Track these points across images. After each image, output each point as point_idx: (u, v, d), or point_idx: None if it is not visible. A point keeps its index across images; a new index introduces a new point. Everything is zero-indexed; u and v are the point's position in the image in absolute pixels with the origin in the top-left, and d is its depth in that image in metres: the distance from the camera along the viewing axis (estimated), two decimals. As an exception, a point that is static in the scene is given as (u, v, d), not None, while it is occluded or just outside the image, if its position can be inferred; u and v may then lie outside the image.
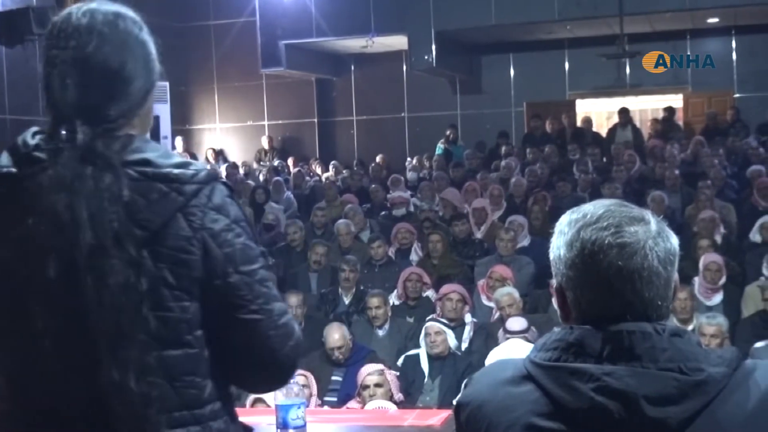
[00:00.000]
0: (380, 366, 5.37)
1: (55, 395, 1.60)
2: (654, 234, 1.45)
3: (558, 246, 1.50)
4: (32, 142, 1.64)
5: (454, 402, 1.64)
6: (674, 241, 1.49)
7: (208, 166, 1.65)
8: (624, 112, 13.38)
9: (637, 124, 14.20)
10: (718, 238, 7.75)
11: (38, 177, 1.59)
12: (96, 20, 1.65)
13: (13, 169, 1.62)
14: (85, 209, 1.55)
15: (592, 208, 1.51)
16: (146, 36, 1.71)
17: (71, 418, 1.60)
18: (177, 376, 1.59)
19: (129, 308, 1.56)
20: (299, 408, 2.41)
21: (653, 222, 1.48)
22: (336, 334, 5.92)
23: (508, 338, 5.53)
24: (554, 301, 6.73)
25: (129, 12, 1.71)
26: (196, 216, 1.60)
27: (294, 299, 6.77)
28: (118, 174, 1.57)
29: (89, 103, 1.63)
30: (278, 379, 1.77)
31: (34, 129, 1.67)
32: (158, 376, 1.58)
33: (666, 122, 13.64)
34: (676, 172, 9.89)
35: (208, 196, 1.62)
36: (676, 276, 1.49)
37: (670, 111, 14.02)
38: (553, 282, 1.54)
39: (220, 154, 15.77)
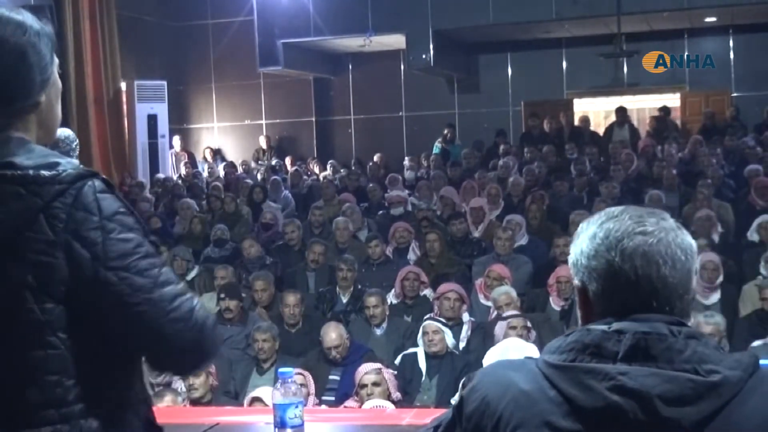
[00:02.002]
0: (378, 365, 5.37)
1: None
2: (674, 228, 1.49)
3: (580, 242, 1.52)
4: None
5: (455, 398, 1.64)
6: (690, 239, 1.51)
7: (81, 166, 1.63)
8: (621, 111, 13.39)
9: (635, 123, 14.22)
10: (716, 237, 7.75)
11: None
12: None
13: None
14: None
15: (610, 209, 1.55)
16: (33, 38, 1.67)
17: None
18: (41, 375, 1.59)
19: None
20: (297, 407, 2.41)
21: (671, 220, 1.52)
22: (333, 334, 5.93)
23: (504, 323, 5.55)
24: (554, 305, 6.74)
25: (16, 15, 1.67)
26: (58, 218, 1.57)
27: (291, 298, 6.78)
28: None
29: None
30: (192, 362, 1.73)
31: None
32: (18, 376, 1.57)
33: (660, 121, 13.65)
34: (674, 171, 9.90)
35: (74, 195, 1.59)
36: (694, 273, 1.51)
37: (664, 110, 14.04)
38: (576, 282, 1.54)
39: (217, 153, 15.77)
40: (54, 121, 1.75)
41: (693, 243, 1.51)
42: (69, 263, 1.58)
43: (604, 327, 1.44)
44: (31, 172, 1.58)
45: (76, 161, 1.68)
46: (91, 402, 1.62)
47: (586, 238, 1.51)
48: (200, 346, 1.68)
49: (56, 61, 1.74)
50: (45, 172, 1.58)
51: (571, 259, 1.54)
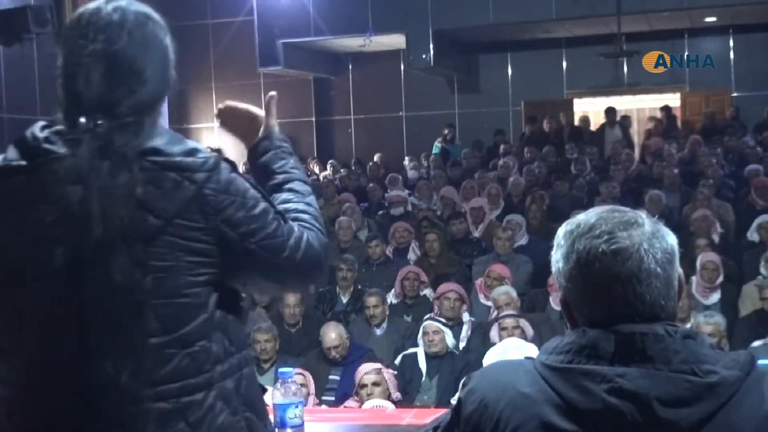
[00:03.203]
0: (378, 365, 5.37)
1: (48, 382, 1.62)
2: (648, 236, 1.46)
3: (557, 260, 1.51)
4: (41, 135, 1.65)
5: (455, 398, 1.64)
6: (671, 240, 1.49)
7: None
8: (610, 112, 13.37)
9: (635, 123, 14.22)
10: (716, 237, 7.75)
11: (53, 166, 1.60)
12: (127, 18, 1.69)
13: (23, 162, 1.64)
14: (98, 204, 1.57)
15: (584, 217, 1.51)
16: (169, 42, 1.77)
17: (58, 405, 1.61)
18: (189, 344, 1.63)
19: (131, 306, 1.59)
20: (297, 407, 2.41)
21: (647, 224, 1.48)
22: (333, 333, 5.92)
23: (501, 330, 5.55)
24: (554, 305, 6.74)
25: (157, 15, 1.76)
26: (209, 204, 1.64)
27: (292, 298, 6.77)
28: (133, 171, 1.60)
29: (111, 99, 1.65)
30: (315, 277, 1.96)
31: (42, 123, 1.69)
32: (171, 348, 1.62)
33: (662, 122, 13.66)
34: (675, 171, 9.89)
35: (218, 180, 1.66)
36: (680, 273, 1.49)
37: (666, 110, 14.05)
38: (559, 296, 1.55)
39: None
40: (158, 120, 1.80)
41: (673, 245, 1.48)
42: (220, 247, 1.66)
43: (599, 329, 1.44)
44: (186, 159, 1.64)
45: (203, 145, 1.74)
46: (225, 364, 1.68)
47: (560, 256, 1.50)
48: (321, 265, 1.90)
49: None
50: (195, 159, 1.65)
51: (553, 269, 1.53)
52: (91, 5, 1.71)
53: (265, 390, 1.86)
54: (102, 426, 1.60)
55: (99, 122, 1.62)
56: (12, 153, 1.66)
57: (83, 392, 1.59)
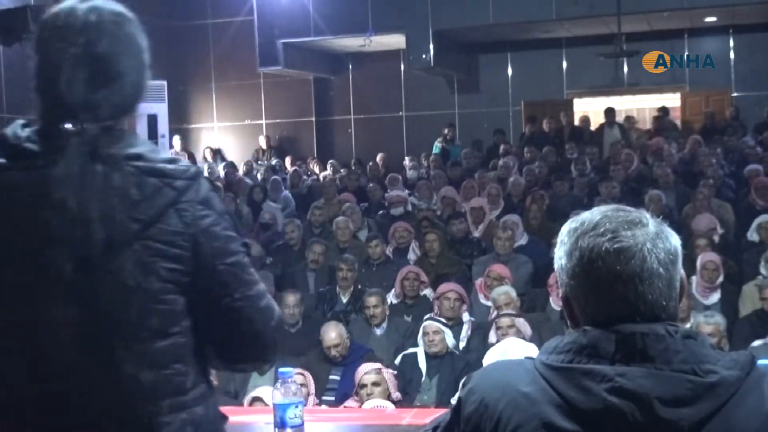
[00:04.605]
0: (378, 365, 5.36)
1: (70, 385, 1.62)
2: (652, 236, 1.46)
3: (560, 256, 1.51)
4: (23, 134, 1.65)
5: (455, 398, 1.64)
6: (674, 240, 1.49)
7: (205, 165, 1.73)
8: (609, 112, 13.36)
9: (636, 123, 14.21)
10: (716, 238, 7.74)
11: (46, 171, 1.60)
12: (104, 19, 1.67)
13: (2, 160, 1.63)
14: (96, 207, 1.58)
15: (589, 215, 1.51)
16: (143, 41, 1.74)
17: (83, 407, 1.62)
18: (167, 364, 1.63)
19: (140, 304, 1.61)
20: (297, 407, 2.41)
21: (651, 224, 1.48)
22: (333, 333, 5.92)
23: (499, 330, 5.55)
24: (554, 305, 6.74)
25: (131, 14, 1.73)
26: (187, 212, 1.64)
27: (291, 298, 6.77)
28: (125, 173, 1.61)
29: (94, 102, 1.65)
30: (263, 356, 1.81)
31: (23, 121, 1.68)
32: (155, 366, 1.62)
33: (660, 121, 13.66)
34: (669, 170, 9.89)
35: (196, 190, 1.66)
36: (682, 274, 1.49)
37: (663, 111, 14.05)
38: (561, 293, 1.55)
39: (217, 153, 15.76)
40: (135, 120, 1.82)
41: (676, 245, 1.48)
42: (194, 256, 1.64)
43: (600, 329, 1.44)
44: (168, 165, 1.65)
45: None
46: (197, 390, 1.69)
47: (563, 253, 1.50)
48: (275, 343, 1.78)
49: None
50: (176, 167, 1.65)
51: (555, 266, 1.54)
52: (65, 5, 1.68)
53: (225, 419, 1.85)
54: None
55: (85, 126, 1.63)
56: None
57: (105, 391, 1.61)
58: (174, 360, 1.64)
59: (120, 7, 1.72)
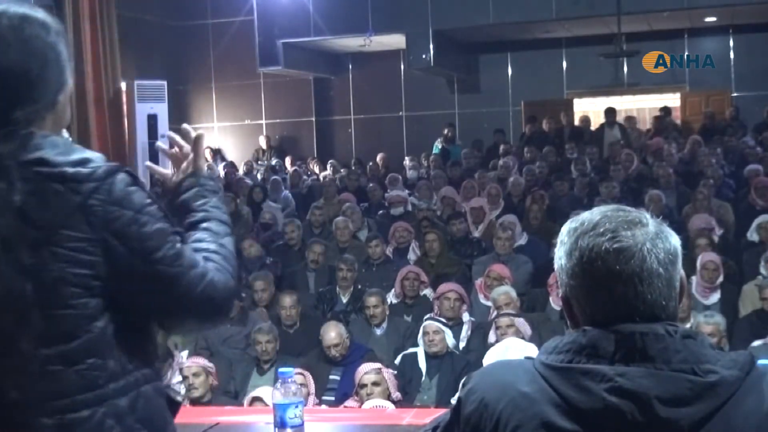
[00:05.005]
0: (378, 365, 5.37)
1: None
2: (652, 236, 1.46)
3: (560, 256, 1.51)
4: None
5: (455, 398, 1.64)
6: (674, 241, 1.49)
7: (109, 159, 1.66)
8: (610, 112, 13.36)
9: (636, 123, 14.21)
10: (716, 238, 7.74)
11: None
12: (1, 25, 1.63)
13: None
14: None
15: (589, 215, 1.51)
16: (54, 38, 1.69)
17: None
18: (79, 361, 1.61)
19: (14, 315, 1.58)
20: (297, 407, 2.41)
21: (651, 224, 1.48)
22: (332, 332, 5.93)
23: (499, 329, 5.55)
24: (554, 305, 6.74)
25: (38, 14, 1.69)
26: (96, 216, 1.60)
27: (288, 300, 6.74)
28: (11, 179, 1.58)
29: None
30: (207, 319, 1.79)
31: None
32: (66, 363, 1.60)
33: (659, 121, 13.66)
34: (670, 170, 9.89)
35: (108, 191, 1.61)
36: (682, 274, 1.49)
37: (665, 110, 14.04)
38: (560, 293, 1.55)
39: (217, 153, 15.77)
40: (65, 120, 1.76)
41: (676, 245, 1.48)
42: (107, 259, 1.61)
43: (599, 328, 1.44)
44: (68, 169, 1.60)
45: (100, 154, 1.69)
46: (120, 381, 1.66)
47: (563, 253, 1.50)
48: (221, 308, 1.77)
49: (72, 59, 1.76)
50: (82, 169, 1.60)
51: (555, 266, 1.54)
52: None
53: (177, 404, 1.82)
54: None
55: None
56: None
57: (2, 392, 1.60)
58: (87, 356, 1.62)
59: (25, 9, 1.67)
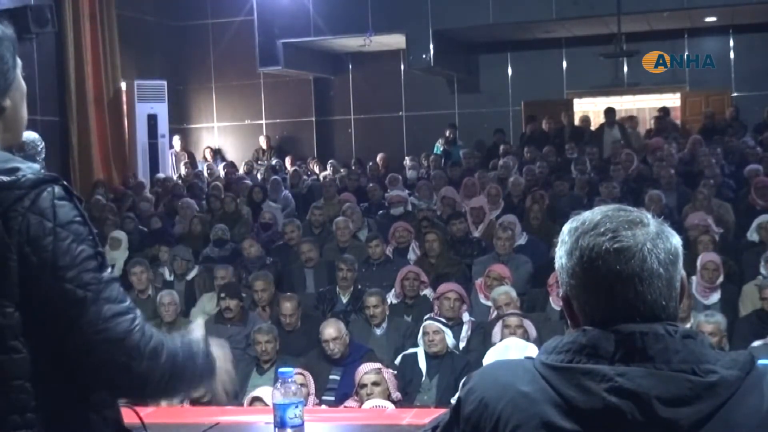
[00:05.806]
0: (378, 365, 5.36)
1: None
2: (653, 236, 1.46)
3: (560, 256, 1.51)
4: None
5: (455, 398, 1.64)
6: (675, 241, 1.48)
7: (43, 171, 1.62)
8: (610, 112, 13.36)
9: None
10: (716, 237, 7.74)
11: None
12: None
13: None
14: None
15: (590, 215, 1.51)
16: (6, 50, 1.68)
17: None
18: (6, 380, 1.58)
19: None
20: (297, 407, 2.41)
21: (652, 224, 1.48)
22: (331, 328, 5.92)
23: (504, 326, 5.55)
24: (554, 305, 6.74)
25: None
26: (15, 221, 1.57)
27: (288, 305, 6.68)
28: None
29: None
30: (128, 388, 1.67)
31: None
32: None
33: (659, 121, 13.66)
34: (671, 170, 9.90)
35: (32, 200, 1.58)
36: (683, 274, 1.49)
37: (664, 111, 14.04)
38: (561, 292, 1.55)
39: (217, 153, 15.78)
40: (20, 124, 1.74)
41: (677, 246, 1.48)
42: (20, 267, 1.58)
43: (599, 328, 1.44)
44: (1, 177, 1.58)
45: (37, 166, 1.67)
46: (53, 407, 1.61)
47: (564, 252, 1.50)
48: (127, 365, 1.61)
49: (19, 63, 1.73)
50: (5, 178, 1.58)
51: (556, 265, 1.54)
52: None
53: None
54: None
55: None
56: None
57: None
58: (13, 376, 1.58)
59: None
